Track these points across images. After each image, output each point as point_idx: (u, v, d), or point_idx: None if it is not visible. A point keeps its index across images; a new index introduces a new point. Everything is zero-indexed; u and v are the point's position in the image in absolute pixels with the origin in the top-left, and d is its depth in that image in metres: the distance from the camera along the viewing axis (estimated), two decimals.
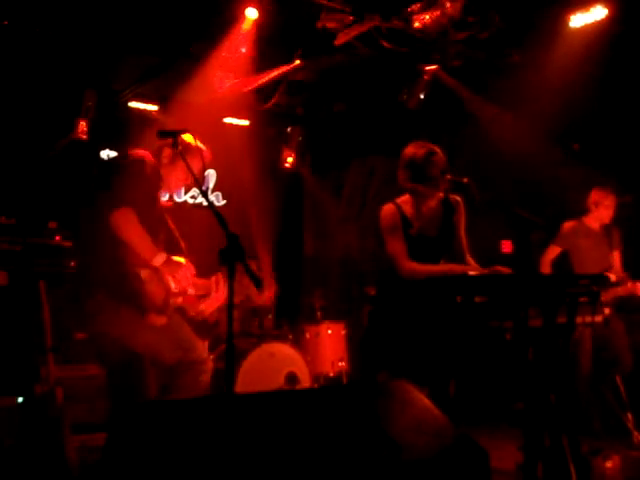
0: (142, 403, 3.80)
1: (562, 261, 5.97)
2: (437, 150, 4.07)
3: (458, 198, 4.23)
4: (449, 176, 4.05)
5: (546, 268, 5.92)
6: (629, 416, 5.54)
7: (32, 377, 4.51)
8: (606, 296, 5.56)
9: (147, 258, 3.66)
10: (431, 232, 4.15)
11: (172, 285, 3.84)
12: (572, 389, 5.43)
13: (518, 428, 3.70)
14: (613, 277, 5.64)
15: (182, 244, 4.08)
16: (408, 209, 4.14)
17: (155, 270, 3.71)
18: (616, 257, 5.86)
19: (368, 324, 4.38)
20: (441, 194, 4.18)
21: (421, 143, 4.11)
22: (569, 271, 5.90)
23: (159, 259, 3.69)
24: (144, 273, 3.68)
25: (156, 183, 3.88)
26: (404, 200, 4.18)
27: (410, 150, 4.11)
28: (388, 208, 4.15)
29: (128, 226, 3.57)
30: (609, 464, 4.91)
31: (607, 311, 5.59)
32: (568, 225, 5.95)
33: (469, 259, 4.20)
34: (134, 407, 3.28)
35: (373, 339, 4.25)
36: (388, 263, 4.08)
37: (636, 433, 5.43)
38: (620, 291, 5.65)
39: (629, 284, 5.67)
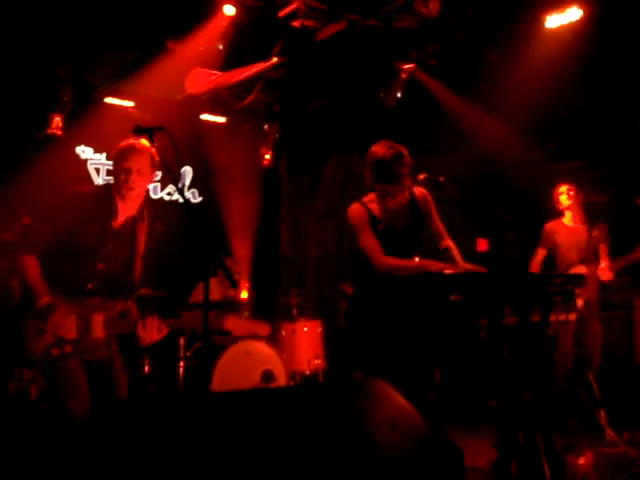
0: (116, 402, 3.78)
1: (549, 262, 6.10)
2: (403, 150, 4.07)
3: (422, 189, 4.24)
4: (425, 175, 4.07)
5: (535, 271, 6.04)
6: (602, 413, 5.60)
7: (6, 375, 4.47)
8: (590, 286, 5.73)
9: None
10: (399, 226, 4.17)
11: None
12: (546, 386, 5.48)
13: (492, 425, 3.73)
14: (583, 269, 5.80)
15: None
16: (375, 207, 4.16)
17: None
18: (603, 251, 5.97)
19: (345, 322, 4.37)
20: (407, 191, 4.19)
21: (387, 143, 4.10)
22: (553, 270, 6.00)
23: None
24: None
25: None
26: (370, 199, 4.20)
27: (376, 150, 4.10)
28: (355, 207, 4.17)
29: None
30: (582, 461, 4.96)
31: (580, 302, 5.71)
32: (548, 226, 6.16)
33: (449, 243, 4.20)
34: (108, 406, 3.27)
35: (349, 337, 4.25)
36: (363, 259, 4.08)
37: (608, 430, 5.49)
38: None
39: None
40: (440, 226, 4.27)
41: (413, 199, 4.22)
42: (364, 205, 4.16)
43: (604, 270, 5.85)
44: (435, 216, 4.27)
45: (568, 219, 6.07)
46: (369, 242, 4.07)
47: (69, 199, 3.86)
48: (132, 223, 3.93)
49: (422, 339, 3.70)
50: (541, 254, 6.11)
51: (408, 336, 3.78)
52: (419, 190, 4.24)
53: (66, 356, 3.69)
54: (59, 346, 3.68)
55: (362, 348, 4.08)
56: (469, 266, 3.95)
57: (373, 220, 4.12)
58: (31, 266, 3.68)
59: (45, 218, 3.84)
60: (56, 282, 3.69)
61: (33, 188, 6.47)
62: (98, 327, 3.76)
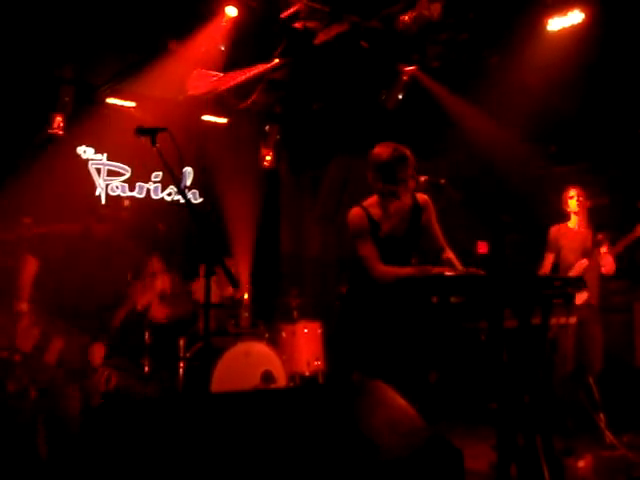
0: (117, 400, 3.79)
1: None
2: (407, 151, 4.01)
3: (425, 196, 4.21)
4: (426, 177, 4.06)
5: None
6: (601, 416, 5.59)
7: (4, 374, 4.47)
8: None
9: None
10: (399, 233, 4.13)
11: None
12: (546, 389, 5.47)
13: (492, 428, 3.73)
14: (585, 262, 5.84)
15: None
16: (375, 211, 4.10)
17: None
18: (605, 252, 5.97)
19: (337, 322, 4.36)
20: (409, 194, 4.17)
21: (390, 144, 4.04)
22: (556, 273, 5.99)
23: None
24: None
25: None
26: (371, 202, 4.13)
27: (380, 152, 4.03)
28: (355, 212, 4.11)
29: None
30: (581, 464, 4.96)
31: (585, 295, 5.73)
32: (554, 229, 6.11)
33: (449, 253, 4.18)
34: (108, 404, 3.27)
35: (343, 338, 4.25)
36: (360, 265, 4.07)
37: (608, 433, 5.48)
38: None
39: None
40: (440, 236, 4.24)
41: (415, 205, 4.17)
42: (365, 209, 4.10)
43: (606, 257, 5.80)
44: (435, 225, 4.24)
45: (573, 223, 6.03)
46: (367, 251, 4.03)
47: (83, 237, 3.91)
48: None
49: (421, 341, 3.70)
50: (550, 259, 6.03)
51: (406, 338, 3.78)
52: (422, 197, 4.20)
53: (12, 363, 3.75)
54: (9, 352, 3.74)
55: (358, 350, 4.07)
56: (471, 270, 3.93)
57: (373, 225, 4.07)
58: (30, 268, 3.74)
59: (57, 238, 3.88)
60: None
61: (34, 188, 6.48)
62: (54, 352, 3.80)
